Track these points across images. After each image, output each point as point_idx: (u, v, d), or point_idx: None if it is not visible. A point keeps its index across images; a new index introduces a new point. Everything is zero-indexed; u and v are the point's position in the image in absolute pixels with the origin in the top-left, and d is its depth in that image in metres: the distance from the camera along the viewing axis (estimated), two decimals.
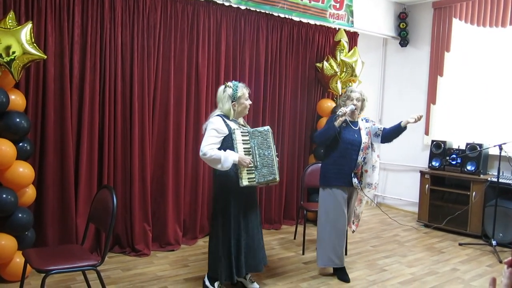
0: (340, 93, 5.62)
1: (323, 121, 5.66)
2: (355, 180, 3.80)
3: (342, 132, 3.76)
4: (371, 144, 3.92)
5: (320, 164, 5.04)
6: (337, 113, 3.69)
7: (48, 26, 3.78)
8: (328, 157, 3.87)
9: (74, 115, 4.03)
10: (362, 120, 3.95)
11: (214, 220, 3.45)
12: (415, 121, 3.73)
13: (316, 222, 5.74)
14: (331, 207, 3.83)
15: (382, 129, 3.93)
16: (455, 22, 6.05)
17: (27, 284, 3.42)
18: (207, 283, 3.50)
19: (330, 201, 3.83)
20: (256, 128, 3.41)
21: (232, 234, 3.34)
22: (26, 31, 3.30)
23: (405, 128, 3.83)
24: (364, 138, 3.83)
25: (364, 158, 3.84)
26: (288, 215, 5.76)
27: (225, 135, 3.28)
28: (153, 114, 4.49)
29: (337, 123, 3.67)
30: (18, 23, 3.40)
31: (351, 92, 3.88)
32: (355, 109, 3.80)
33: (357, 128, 3.86)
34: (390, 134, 3.91)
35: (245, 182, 3.24)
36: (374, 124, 3.97)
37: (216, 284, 3.46)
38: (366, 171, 3.88)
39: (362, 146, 3.80)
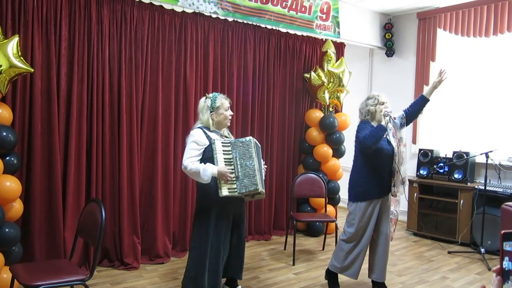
0: (327, 103, 5.66)
1: (311, 131, 5.70)
2: (393, 189, 3.71)
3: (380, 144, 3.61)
4: (399, 139, 3.74)
5: (310, 175, 5.13)
6: (384, 111, 3.58)
7: (35, 40, 3.77)
8: (364, 170, 3.70)
9: (61, 128, 4.00)
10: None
11: (193, 232, 3.42)
12: (440, 81, 3.64)
13: (305, 232, 5.78)
14: (359, 221, 3.69)
15: (404, 115, 3.79)
16: (440, 32, 6.16)
17: None
18: None
19: (360, 215, 3.69)
20: (238, 139, 3.40)
21: (208, 249, 3.30)
22: (12, 45, 3.29)
23: (428, 99, 3.74)
24: (393, 143, 3.70)
25: (397, 161, 3.70)
26: (278, 226, 5.76)
27: (205, 146, 3.28)
28: (142, 126, 4.47)
29: (384, 123, 3.54)
30: (4, 37, 3.39)
31: (379, 96, 3.73)
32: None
33: (385, 135, 3.71)
34: (415, 112, 3.81)
35: (224, 192, 3.21)
36: (394, 119, 3.72)
37: None
38: (397, 171, 3.72)
39: (395, 151, 3.68)
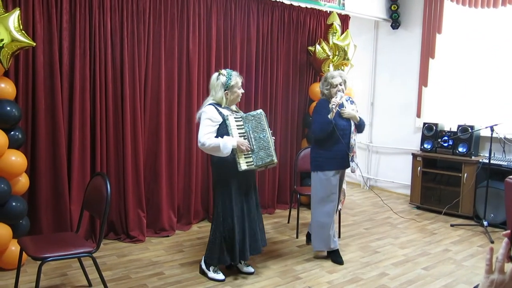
0: None
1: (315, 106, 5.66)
2: (353, 164, 3.85)
3: (335, 120, 3.74)
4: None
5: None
6: (330, 106, 3.67)
7: (36, 13, 3.73)
8: (321, 143, 3.85)
9: (65, 102, 4.00)
10: (346, 101, 3.93)
11: (215, 208, 3.48)
12: (335, 106, 3.70)
13: (309, 206, 5.81)
14: (324, 191, 3.84)
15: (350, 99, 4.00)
16: (447, 3, 6.03)
17: (23, 272, 3.43)
18: (203, 266, 3.55)
19: (324, 185, 3.84)
20: (249, 113, 3.44)
21: (235, 219, 3.37)
22: (14, 18, 3.25)
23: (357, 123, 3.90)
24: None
25: (355, 139, 3.88)
26: (281, 200, 5.79)
27: (219, 123, 3.32)
28: (145, 100, 4.46)
29: (331, 116, 3.65)
30: (5, 10, 3.36)
31: (332, 78, 3.82)
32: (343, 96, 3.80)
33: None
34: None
35: (243, 166, 3.29)
36: (357, 111, 3.96)
37: (211, 268, 3.50)
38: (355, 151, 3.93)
39: (352, 128, 3.84)
